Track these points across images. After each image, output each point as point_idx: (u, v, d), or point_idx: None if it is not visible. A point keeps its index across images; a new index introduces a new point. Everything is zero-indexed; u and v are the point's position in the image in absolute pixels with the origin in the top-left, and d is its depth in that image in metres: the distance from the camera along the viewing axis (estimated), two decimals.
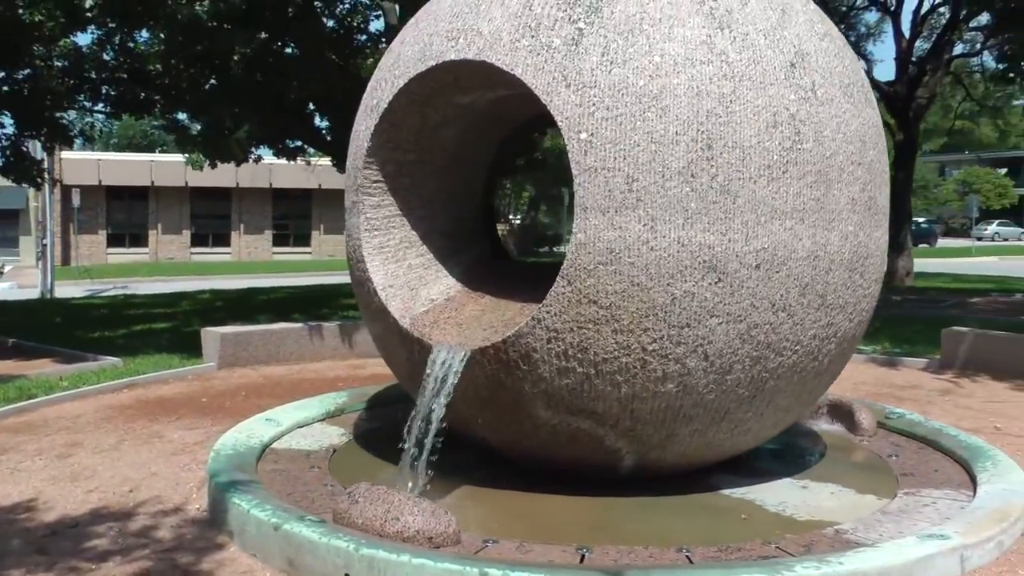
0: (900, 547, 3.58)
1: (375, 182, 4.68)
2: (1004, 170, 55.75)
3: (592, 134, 3.85)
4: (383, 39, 15.27)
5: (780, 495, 4.51)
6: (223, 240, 38.61)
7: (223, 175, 31.74)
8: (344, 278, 24.12)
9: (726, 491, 4.59)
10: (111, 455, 5.43)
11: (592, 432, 4.26)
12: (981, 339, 8.38)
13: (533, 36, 4.03)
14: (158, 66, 11.44)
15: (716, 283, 3.89)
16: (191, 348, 9.26)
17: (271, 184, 36.94)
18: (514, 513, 4.32)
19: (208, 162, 13.58)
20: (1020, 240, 50.37)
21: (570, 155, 3.88)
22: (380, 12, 15.38)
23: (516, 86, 4.25)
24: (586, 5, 4.02)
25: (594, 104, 3.87)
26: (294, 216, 39.43)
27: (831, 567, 3.36)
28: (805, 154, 4.00)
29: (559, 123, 3.90)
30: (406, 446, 4.24)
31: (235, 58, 9.58)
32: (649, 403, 4.10)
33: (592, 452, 4.39)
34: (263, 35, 9.91)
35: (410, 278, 4.70)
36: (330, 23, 15.06)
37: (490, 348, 4.14)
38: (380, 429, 5.78)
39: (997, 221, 51.69)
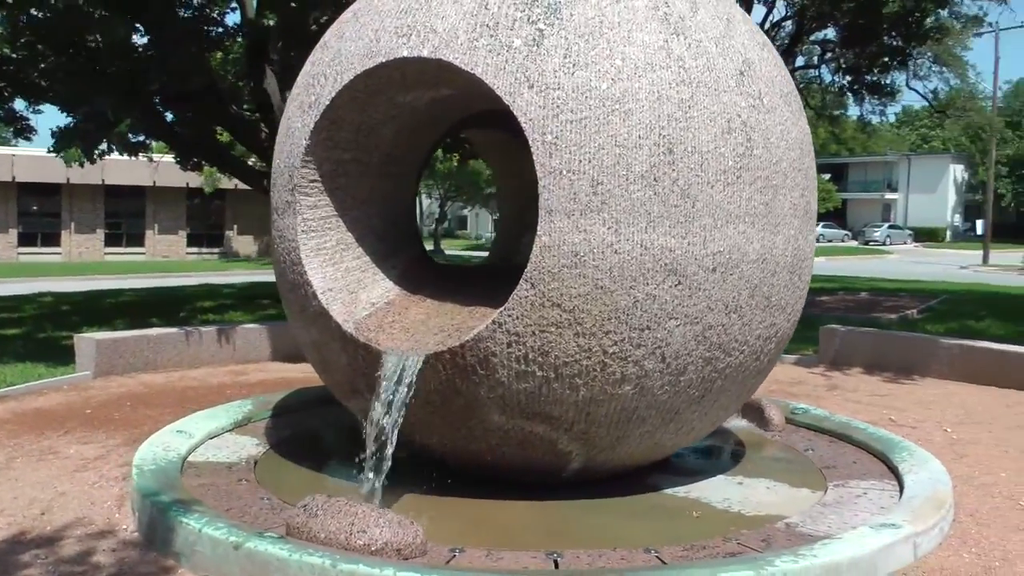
0: (862, 537, 3.73)
1: (312, 181, 4.48)
2: (828, 175, 59.55)
3: (557, 136, 3.83)
4: (240, 32, 14.70)
5: (721, 492, 4.63)
6: (53, 239, 36.16)
7: (52, 170, 29.72)
8: (184, 280, 23.21)
9: (668, 490, 4.66)
10: (6, 474, 4.96)
11: (545, 436, 4.24)
12: (854, 336, 8.90)
13: (492, 36, 3.96)
14: (6, 50, 10.57)
15: (676, 286, 3.95)
16: (54, 355, 8.65)
17: (103, 180, 34.82)
18: (467, 520, 4.23)
19: (86, 158, 12.65)
20: (843, 241, 53.98)
21: (535, 157, 3.84)
22: (236, 5, 14.82)
23: (467, 86, 4.18)
24: (544, 6, 3.99)
25: (558, 106, 3.84)
26: (127, 215, 37.39)
27: (808, 560, 3.46)
28: (756, 160, 4.12)
29: (523, 124, 3.85)
30: (364, 455, 4.08)
31: (103, 46, 8.91)
32: (605, 406, 4.11)
33: (542, 456, 4.37)
34: (139, 25, 9.30)
35: (348, 281, 4.52)
36: (185, 14, 14.41)
37: (446, 353, 4.04)
38: (293, 437, 5.58)
39: (822, 223, 55.18)
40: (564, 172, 3.82)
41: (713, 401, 4.41)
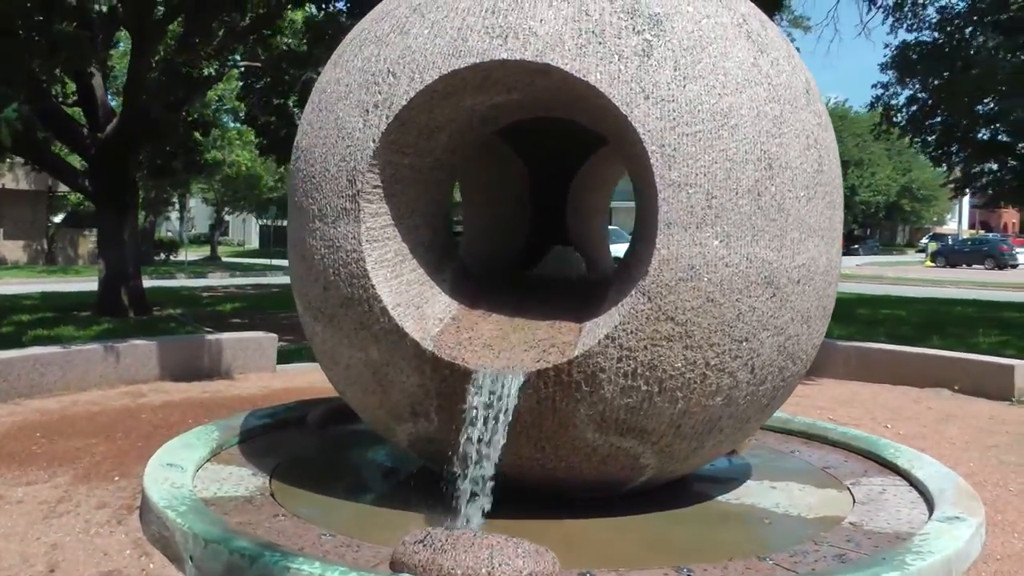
0: (949, 531, 3.97)
1: (375, 187, 4.16)
2: None
3: (675, 149, 3.80)
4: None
5: (766, 497, 4.76)
6: None
7: None
8: None
9: (720, 498, 4.74)
10: None
11: (632, 451, 4.18)
12: None
13: (600, 43, 3.86)
14: None
15: (771, 298, 4.03)
16: None
17: None
18: (562, 541, 4.02)
19: None
20: None
21: (654, 169, 3.78)
22: None
23: (542, 91, 4.08)
24: (646, 16, 3.94)
25: (674, 118, 3.81)
26: None
27: (930, 557, 3.63)
28: (825, 176, 4.28)
29: (642, 136, 3.79)
30: (461, 484, 3.84)
31: None
32: (696, 417, 4.12)
33: (619, 471, 4.31)
34: None
35: (411, 295, 4.23)
36: None
37: (550, 370, 3.89)
38: (288, 464, 5.13)
39: None
40: (682, 185, 3.80)
41: (773, 409, 4.55)
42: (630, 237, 4.41)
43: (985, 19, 15.15)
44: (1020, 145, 17.13)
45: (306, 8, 14.64)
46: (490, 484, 3.83)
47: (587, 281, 5.26)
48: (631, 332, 3.84)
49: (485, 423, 3.86)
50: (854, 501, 4.72)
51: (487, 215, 6.15)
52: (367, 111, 4.13)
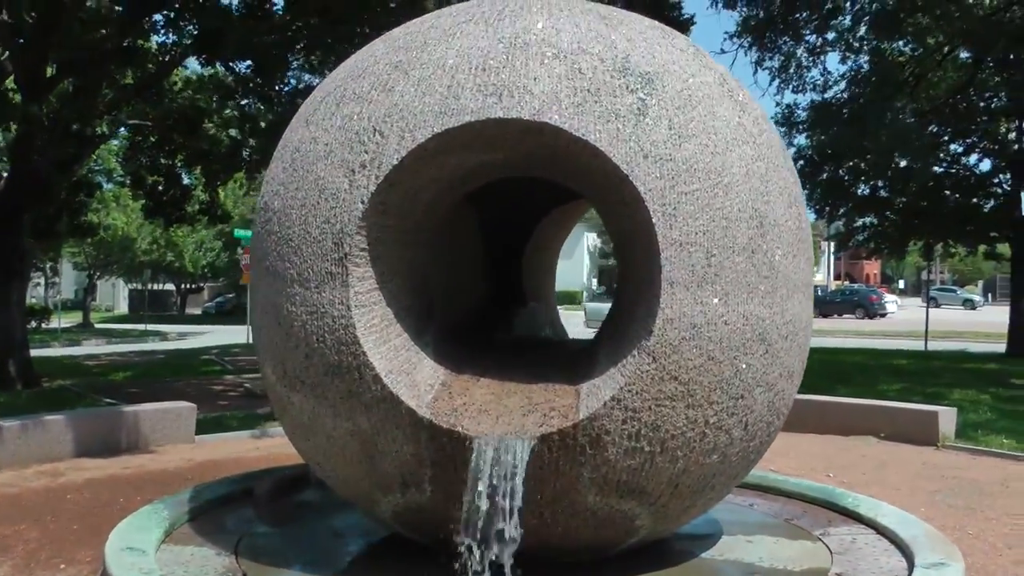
0: None
1: (362, 250, 4.01)
2: None
3: (675, 208, 3.81)
4: None
5: (748, 551, 4.74)
6: None
7: None
8: None
9: (704, 555, 4.70)
10: None
11: (629, 513, 4.11)
12: None
13: (596, 101, 3.86)
14: None
15: (764, 354, 4.06)
16: None
17: None
18: None
19: None
20: None
21: (656, 228, 3.78)
22: None
23: (527, 152, 4.05)
24: (638, 75, 3.97)
25: (672, 177, 3.83)
26: None
27: None
28: (803, 232, 4.38)
29: (643, 195, 3.78)
30: (473, 557, 3.67)
31: None
32: (693, 476, 4.09)
33: (614, 534, 4.22)
34: None
35: (400, 361, 4.07)
36: None
37: (555, 434, 3.79)
38: (250, 541, 4.82)
39: None
40: (683, 244, 3.81)
41: (754, 465, 4.57)
42: None
43: (887, 83, 16.16)
44: (898, 200, 18.32)
45: (216, 67, 14.31)
46: (511, 552, 3.68)
47: (563, 342, 5.21)
48: (636, 393, 3.79)
49: (494, 492, 3.72)
50: (831, 552, 4.76)
51: (446, 275, 6.03)
52: (353, 171, 3.99)
